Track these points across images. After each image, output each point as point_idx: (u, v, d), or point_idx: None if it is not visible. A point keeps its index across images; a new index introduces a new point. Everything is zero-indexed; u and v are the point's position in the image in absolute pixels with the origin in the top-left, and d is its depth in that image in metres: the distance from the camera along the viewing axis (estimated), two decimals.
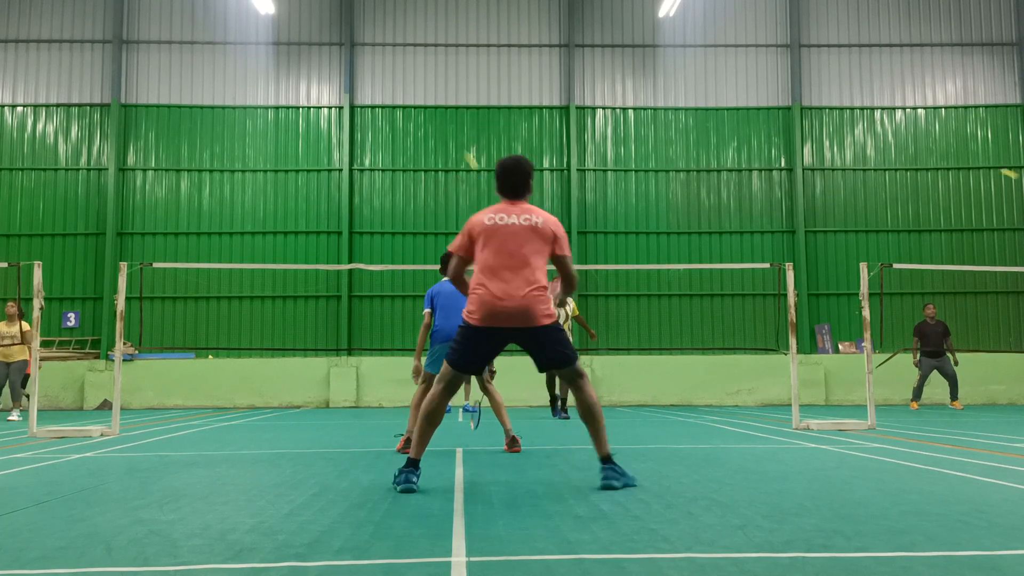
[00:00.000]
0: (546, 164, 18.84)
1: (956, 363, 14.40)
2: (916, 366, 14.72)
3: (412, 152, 18.83)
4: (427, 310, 6.90)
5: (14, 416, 12.21)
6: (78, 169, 18.48)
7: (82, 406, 16.95)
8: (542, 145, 18.89)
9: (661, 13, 18.50)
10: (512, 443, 6.48)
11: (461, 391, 13.95)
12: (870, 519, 3.27)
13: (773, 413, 13.08)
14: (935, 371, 14.51)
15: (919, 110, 19.20)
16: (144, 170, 18.55)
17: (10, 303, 12.45)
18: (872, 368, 9.11)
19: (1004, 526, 3.10)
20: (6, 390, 12.97)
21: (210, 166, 18.60)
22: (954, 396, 14.40)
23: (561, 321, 10.90)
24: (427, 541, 2.91)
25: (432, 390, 4.40)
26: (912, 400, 14.65)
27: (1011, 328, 18.44)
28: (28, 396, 12.40)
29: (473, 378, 13.36)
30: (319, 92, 18.96)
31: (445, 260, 6.79)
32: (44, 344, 16.82)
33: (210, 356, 17.98)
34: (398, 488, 4.14)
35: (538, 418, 11.98)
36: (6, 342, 12.18)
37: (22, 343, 12.06)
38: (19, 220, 18.27)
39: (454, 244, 4.46)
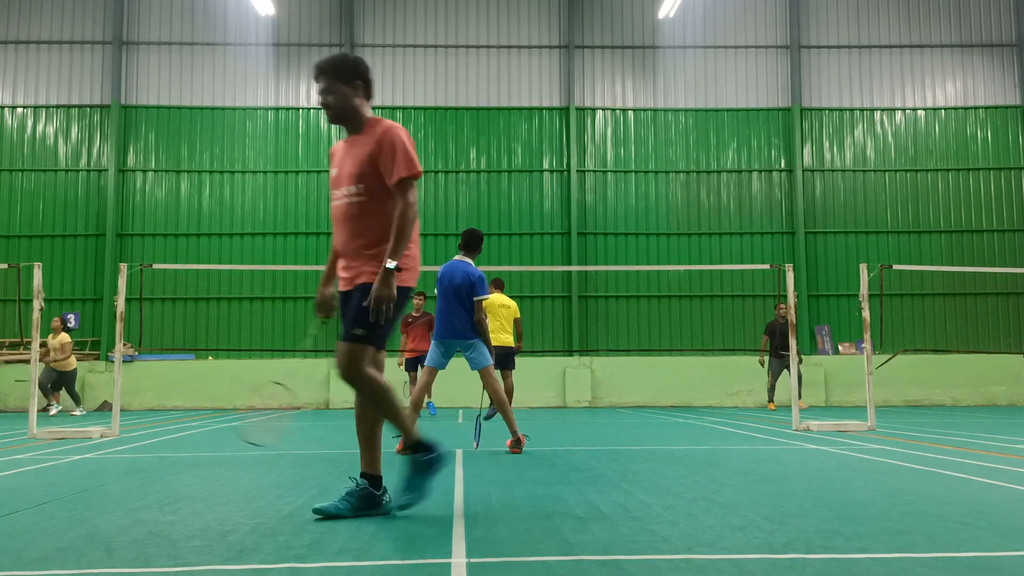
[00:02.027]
0: (546, 165, 18.85)
1: (801, 362, 14.52)
2: (761, 364, 15.24)
3: None
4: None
5: (77, 412, 14.42)
6: (78, 170, 18.49)
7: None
8: (542, 146, 18.90)
9: (661, 14, 18.50)
10: (516, 443, 6.48)
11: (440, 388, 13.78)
12: (870, 520, 3.27)
13: (773, 414, 13.08)
14: (784, 370, 14.52)
15: (919, 111, 19.20)
16: (144, 171, 18.56)
17: (55, 319, 14.56)
18: (872, 369, 9.12)
19: (1004, 527, 3.11)
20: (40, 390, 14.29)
21: (210, 167, 18.60)
22: (798, 396, 14.49)
23: None
24: (427, 542, 2.91)
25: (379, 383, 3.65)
26: (768, 402, 15.10)
27: (1011, 329, 18.44)
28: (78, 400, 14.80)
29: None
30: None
31: (472, 240, 6.72)
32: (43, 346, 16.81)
33: (210, 357, 17.98)
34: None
35: (539, 419, 11.97)
36: (56, 355, 14.22)
37: (66, 354, 14.28)
38: (19, 221, 18.27)
39: (417, 165, 3.54)
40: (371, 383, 3.49)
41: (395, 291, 3.41)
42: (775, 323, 14.80)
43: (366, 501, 3.55)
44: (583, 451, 6.48)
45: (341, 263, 3.68)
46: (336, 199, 3.62)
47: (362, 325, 3.47)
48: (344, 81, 3.66)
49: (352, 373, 3.49)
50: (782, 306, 14.77)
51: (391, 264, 3.38)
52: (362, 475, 3.61)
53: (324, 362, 17.68)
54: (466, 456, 6.16)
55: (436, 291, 6.72)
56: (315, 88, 3.64)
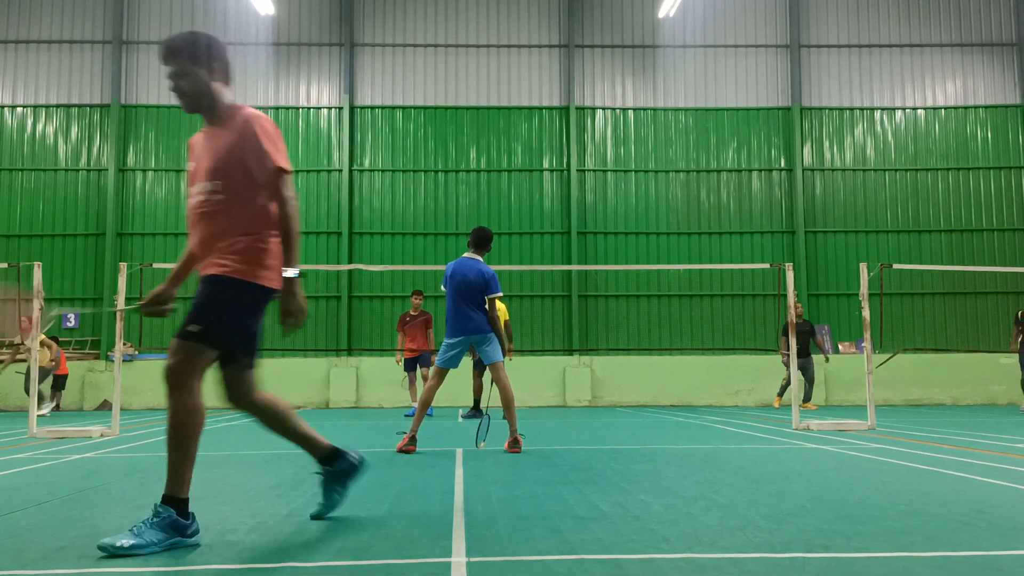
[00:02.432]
0: (546, 164, 18.85)
1: (827, 360, 14.44)
2: (785, 364, 14.78)
3: (412, 153, 18.83)
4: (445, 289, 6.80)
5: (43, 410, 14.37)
6: (78, 170, 18.49)
7: (82, 407, 16.94)
8: (542, 146, 18.90)
9: (661, 13, 18.50)
10: (514, 443, 6.48)
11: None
12: (870, 520, 3.27)
13: (773, 413, 13.09)
14: (799, 372, 14.44)
15: (919, 110, 19.20)
16: (144, 170, 18.56)
17: (22, 318, 14.27)
18: (872, 368, 9.12)
19: (1004, 526, 3.10)
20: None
21: None
22: (807, 398, 14.48)
23: None
24: (427, 541, 2.91)
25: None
26: (777, 396, 14.95)
27: (1011, 328, 18.41)
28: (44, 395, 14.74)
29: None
30: (319, 93, 18.96)
31: (482, 239, 6.82)
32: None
33: None
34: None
35: (539, 418, 11.97)
36: (50, 354, 14.66)
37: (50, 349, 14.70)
38: (19, 220, 18.27)
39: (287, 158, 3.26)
40: (184, 398, 2.90)
41: (304, 300, 3.07)
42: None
43: (346, 476, 3.46)
44: (583, 450, 6.48)
45: (199, 267, 3.22)
46: (192, 196, 3.18)
47: (199, 321, 2.98)
48: (199, 63, 3.15)
49: (173, 374, 2.91)
50: (798, 305, 14.74)
51: (293, 272, 3.05)
52: (321, 463, 3.44)
53: (324, 361, 17.69)
54: (466, 455, 6.16)
55: (445, 289, 6.70)
56: (165, 71, 3.17)
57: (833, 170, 19.00)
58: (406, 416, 12.68)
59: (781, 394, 15.01)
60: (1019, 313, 14.96)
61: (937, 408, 15.46)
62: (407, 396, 15.52)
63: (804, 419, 9.46)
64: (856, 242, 18.73)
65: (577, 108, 18.92)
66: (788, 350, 14.38)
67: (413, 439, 6.47)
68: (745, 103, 19.13)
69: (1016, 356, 14.33)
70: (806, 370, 14.40)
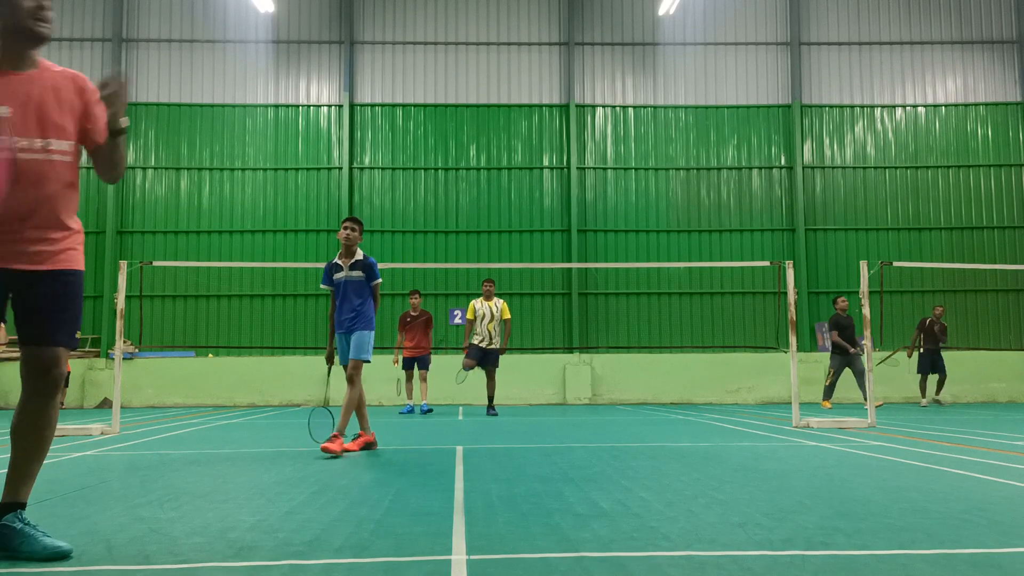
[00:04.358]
0: (546, 162, 18.84)
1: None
2: (858, 351, 13.94)
3: (412, 150, 18.83)
4: (330, 287, 6.66)
5: None
6: (77, 167, 18.47)
7: (82, 404, 16.94)
8: (542, 143, 18.89)
9: (661, 11, 18.49)
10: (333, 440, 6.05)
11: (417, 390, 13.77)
12: (870, 517, 3.27)
13: (773, 411, 13.09)
14: (846, 367, 14.01)
15: (919, 108, 19.19)
16: (144, 168, 18.55)
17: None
18: (872, 366, 9.12)
19: (1004, 524, 3.11)
20: None
21: (210, 164, 18.60)
22: (833, 393, 14.19)
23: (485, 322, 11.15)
24: (427, 539, 2.91)
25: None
26: (824, 399, 14.10)
27: (1011, 326, 18.44)
28: None
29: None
30: (319, 90, 18.95)
31: None
32: None
33: (210, 354, 17.98)
34: None
35: (539, 415, 11.97)
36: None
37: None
38: None
39: None
40: (56, 402, 2.81)
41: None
42: (842, 317, 14.04)
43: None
44: (583, 448, 6.48)
45: (18, 233, 2.68)
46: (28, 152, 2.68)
47: (76, 328, 2.77)
48: None
49: (58, 383, 2.74)
50: (843, 299, 14.28)
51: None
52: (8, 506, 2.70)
53: (323, 359, 17.68)
54: (466, 453, 6.17)
55: (379, 284, 6.60)
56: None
57: (833, 167, 18.99)
58: (401, 413, 12.83)
59: (828, 396, 14.09)
60: (927, 320, 15.06)
61: (937, 405, 15.45)
62: (404, 394, 15.51)
63: (804, 416, 9.46)
64: (856, 239, 18.73)
65: (577, 105, 18.91)
66: (835, 343, 13.85)
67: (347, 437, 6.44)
68: (745, 100, 19.13)
69: (916, 357, 14.72)
70: (854, 364, 14.07)
